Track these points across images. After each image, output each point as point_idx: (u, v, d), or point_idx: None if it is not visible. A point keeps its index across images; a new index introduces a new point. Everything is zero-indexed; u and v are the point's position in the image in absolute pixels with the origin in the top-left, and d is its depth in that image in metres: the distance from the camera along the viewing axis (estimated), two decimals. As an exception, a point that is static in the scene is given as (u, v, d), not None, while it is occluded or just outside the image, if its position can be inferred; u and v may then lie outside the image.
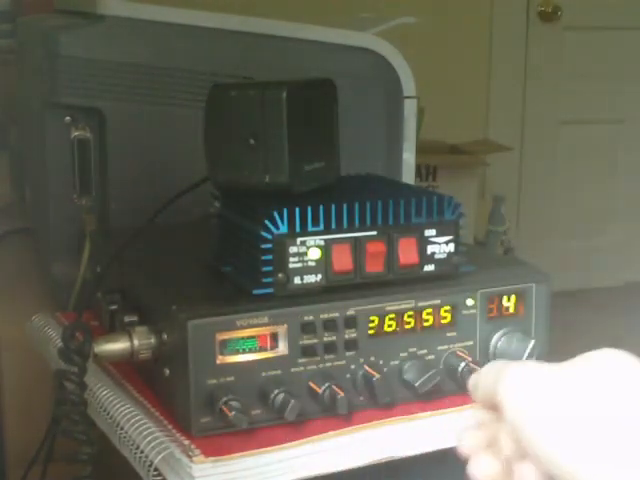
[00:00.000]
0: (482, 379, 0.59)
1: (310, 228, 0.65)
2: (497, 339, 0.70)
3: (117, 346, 0.67)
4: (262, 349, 0.63)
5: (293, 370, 0.64)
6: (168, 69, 0.97)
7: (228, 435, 0.62)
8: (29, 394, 0.99)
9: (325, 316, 0.64)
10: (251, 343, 0.63)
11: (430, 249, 0.68)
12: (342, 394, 0.63)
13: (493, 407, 0.57)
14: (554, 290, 0.72)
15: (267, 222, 0.64)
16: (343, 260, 0.66)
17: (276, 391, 0.63)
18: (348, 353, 0.65)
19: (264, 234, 0.64)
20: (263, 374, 0.63)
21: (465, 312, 0.69)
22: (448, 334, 0.69)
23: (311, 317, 0.64)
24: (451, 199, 0.69)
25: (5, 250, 1.28)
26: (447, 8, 2.83)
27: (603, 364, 0.47)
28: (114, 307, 0.74)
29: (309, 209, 0.65)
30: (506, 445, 0.52)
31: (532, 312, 0.71)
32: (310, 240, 0.65)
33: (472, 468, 0.54)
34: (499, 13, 2.95)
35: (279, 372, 0.64)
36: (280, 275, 0.65)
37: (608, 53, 3.03)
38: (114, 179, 0.98)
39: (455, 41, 2.88)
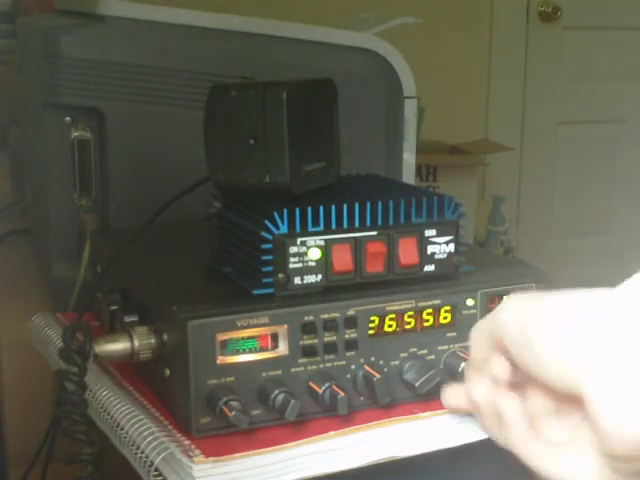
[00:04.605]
0: (476, 332, 0.59)
1: (310, 228, 0.65)
2: (497, 339, 0.70)
3: (117, 346, 0.67)
4: (262, 349, 0.63)
5: (293, 370, 0.64)
6: (168, 69, 0.97)
7: (228, 435, 0.62)
8: (29, 394, 0.99)
9: (325, 316, 0.64)
10: (251, 343, 0.63)
11: (430, 249, 0.68)
12: (342, 394, 0.63)
13: (489, 354, 0.58)
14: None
15: (267, 222, 0.64)
16: (343, 260, 0.65)
17: (276, 391, 0.63)
18: (348, 353, 0.65)
19: (264, 234, 0.64)
20: (263, 374, 0.63)
21: (465, 312, 0.69)
22: (448, 334, 0.69)
23: (311, 317, 0.64)
24: (451, 199, 0.69)
25: (5, 250, 1.28)
26: (447, 8, 2.83)
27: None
28: (114, 307, 0.74)
29: (309, 209, 0.65)
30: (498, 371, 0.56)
31: (532, 312, 0.71)
32: (310, 240, 0.65)
33: (469, 392, 0.57)
34: (499, 13, 2.94)
35: (279, 372, 0.64)
36: (280, 275, 0.65)
37: (608, 53, 3.02)
38: (114, 179, 0.98)
39: (455, 41, 2.88)
